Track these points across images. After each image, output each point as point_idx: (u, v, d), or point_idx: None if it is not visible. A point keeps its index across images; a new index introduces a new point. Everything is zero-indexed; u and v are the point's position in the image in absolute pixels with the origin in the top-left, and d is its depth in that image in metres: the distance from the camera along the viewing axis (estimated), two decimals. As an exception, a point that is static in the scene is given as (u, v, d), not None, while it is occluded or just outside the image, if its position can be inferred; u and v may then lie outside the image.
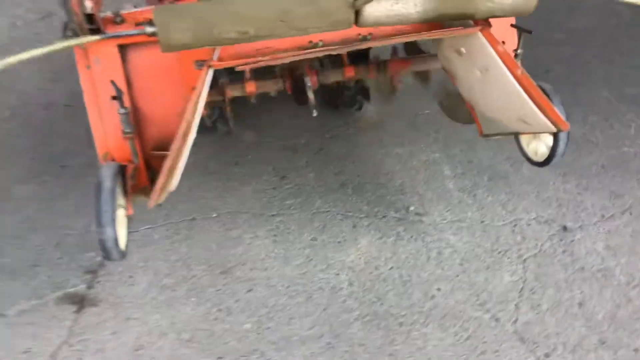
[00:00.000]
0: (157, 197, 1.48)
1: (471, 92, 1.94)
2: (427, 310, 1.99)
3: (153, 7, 1.59)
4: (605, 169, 2.54)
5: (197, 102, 1.41)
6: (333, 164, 2.66)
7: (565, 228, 2.28)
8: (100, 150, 1.73)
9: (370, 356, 1.85)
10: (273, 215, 2.38)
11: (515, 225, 2.30)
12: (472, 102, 2.01)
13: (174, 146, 1.45)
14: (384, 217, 2.35)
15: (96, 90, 1.69)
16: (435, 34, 1.60)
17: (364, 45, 1.55)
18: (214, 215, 2.37)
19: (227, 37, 1.34)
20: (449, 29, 1.56)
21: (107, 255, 1.57)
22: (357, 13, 1.39)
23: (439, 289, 2.06)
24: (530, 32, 1.72)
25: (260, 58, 1.45)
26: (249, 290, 2.08)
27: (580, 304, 2.00)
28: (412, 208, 2.39)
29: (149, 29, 1.33)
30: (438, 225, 2.31)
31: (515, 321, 1.94)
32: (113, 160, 1.71)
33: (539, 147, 1.96)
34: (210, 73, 1.44)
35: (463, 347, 1.86)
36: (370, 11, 1.39)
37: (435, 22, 1.50)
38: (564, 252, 2.19)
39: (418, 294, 2.04)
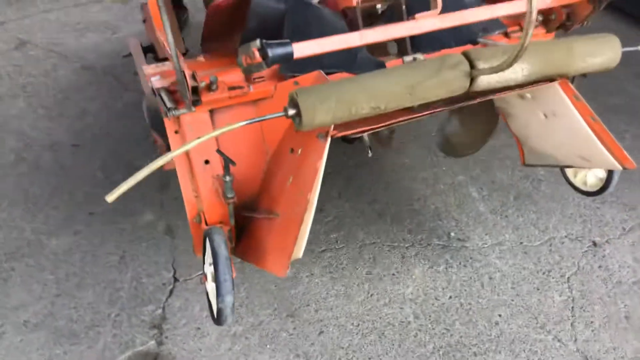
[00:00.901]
0: (286, 266, 1.50)
1: (526, 130, 2.06)
2: (495, 337, 2.10)
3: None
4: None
5: (321, 170, 1.43)
6: (365, 192, 2.72)
7: (595, 244, 2.46)
8: (190, 212, 1.72)
9: (455, 388, 1.94)
10: (323, 251, 2.42)
11: (550, 245, 2.46)
12: (523, 138, 2.13)
13: (298, 213, 1.46)
14: (429, 244, 2.45)
15: (188, 154, 1.67)
16: (525, 90, 1.70)
17: (467, 103, 1.61)
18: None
19: (361, 113, 1.37)
20: (535, 85, 1.66)
21: (221, 322, 1.57)
22: (472, 80, 1.46)
23: (500, 315, 2.18)
24: (585, 76, 1.84)
25: (374, 125, 1.49)
26: (321, 333, 2.11)
27: (627, 317, 2.18)
28: (452, 234, 2.50)
29: (291, 112, 1.34)
30: (481, 249, 2.43)
31: (576, 340, 2.10)
32: (206, 222, 1.70)
33: (588, 177, 2.11)
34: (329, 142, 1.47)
35: (536, 371, 2.00)
36: (484, 79, 1.47)
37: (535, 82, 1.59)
38: (599, 267, 2.37)
39: (482, 322, 2.15)
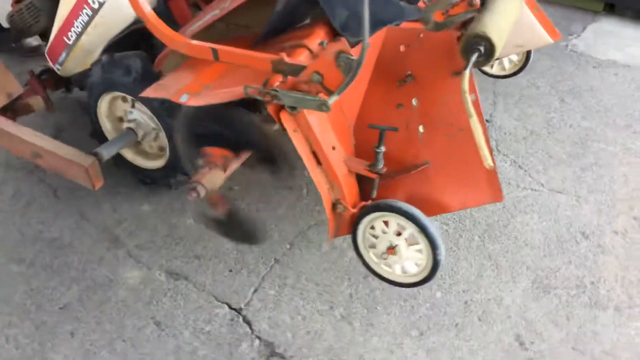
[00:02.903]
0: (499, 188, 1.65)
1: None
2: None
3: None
4: None
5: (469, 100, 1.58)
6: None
7: None
8: (328, 204, 1.70)
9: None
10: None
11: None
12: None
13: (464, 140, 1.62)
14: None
15: (315, 147, 1.63)
16: None
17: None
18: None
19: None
20: None
21: (434, 274, 1.66)
22: None
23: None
24: None
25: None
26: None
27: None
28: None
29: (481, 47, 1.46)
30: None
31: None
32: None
33: (505, 63, 2.63)
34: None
35: None
36: None
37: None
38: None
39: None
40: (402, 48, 1.73)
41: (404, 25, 1.77)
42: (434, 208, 1.72)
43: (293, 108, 1.57)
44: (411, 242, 1.66)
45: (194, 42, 1.68)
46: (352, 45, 1.56)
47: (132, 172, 2.60)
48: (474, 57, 1.45)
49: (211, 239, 2.40)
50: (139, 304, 2.15)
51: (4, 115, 2.47)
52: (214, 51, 1.65)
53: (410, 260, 1.70)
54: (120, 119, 2.54)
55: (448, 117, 1.66)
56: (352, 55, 1.42)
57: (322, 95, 1.51)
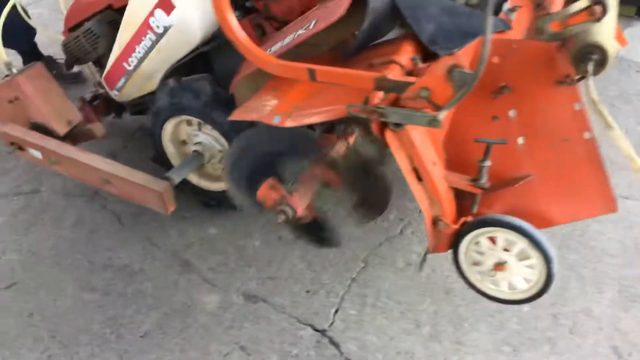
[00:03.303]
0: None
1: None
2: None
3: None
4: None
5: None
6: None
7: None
8: (429, 219, 1.66)
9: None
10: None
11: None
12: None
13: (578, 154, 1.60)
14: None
15: (416, 163, 1.60)
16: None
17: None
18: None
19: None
20: None
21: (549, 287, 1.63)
22: None
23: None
24: None
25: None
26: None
27: None
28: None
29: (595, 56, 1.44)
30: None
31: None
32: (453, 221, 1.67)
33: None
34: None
35: None
36: None
37: None
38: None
39: None
40: (495, 59, 1.70)
41: (495, 36, 1.75)
42: (539, 222, 1.68)
43: (397, 125, 1.54)
44: (522, 258, 1.62)
45: (289, 63, 1.66)
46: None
47: (196, 196, 2.58)
48: (591, 66, 1.42)
49: (283, 259, 2.36)
50: (221, 328, 2.11)
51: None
52: (311, 71, 1.62)
53: (520, 276, 1.66)
54: (184, 142, 2.52)
55: (551, 127, 1.63)
56: (467, 70, 1.40)
57: (427, 111, 1.48)
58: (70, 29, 2.66)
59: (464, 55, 1.68)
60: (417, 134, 1.58)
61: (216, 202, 2.56)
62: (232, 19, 1.67)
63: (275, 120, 1.70)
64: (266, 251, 2.41)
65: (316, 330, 2.10)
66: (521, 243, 1.60)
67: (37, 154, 2.39)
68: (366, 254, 2.37)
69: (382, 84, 1.54)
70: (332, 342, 2.05)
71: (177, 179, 2.28)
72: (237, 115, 1.81)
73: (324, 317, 2.14)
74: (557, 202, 1.68)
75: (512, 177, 1.71)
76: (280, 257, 2.38)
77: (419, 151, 1.59)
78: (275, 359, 2.01)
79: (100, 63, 2.72)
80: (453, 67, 1.42)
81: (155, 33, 2.29)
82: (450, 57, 1.42)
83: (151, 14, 2.26)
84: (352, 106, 1.54)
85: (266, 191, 1.77)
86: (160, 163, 2.58)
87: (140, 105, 2.72)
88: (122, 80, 2.53)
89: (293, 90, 1.81)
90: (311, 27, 1.79)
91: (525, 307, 2.14)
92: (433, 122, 1.45)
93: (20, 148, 2.41)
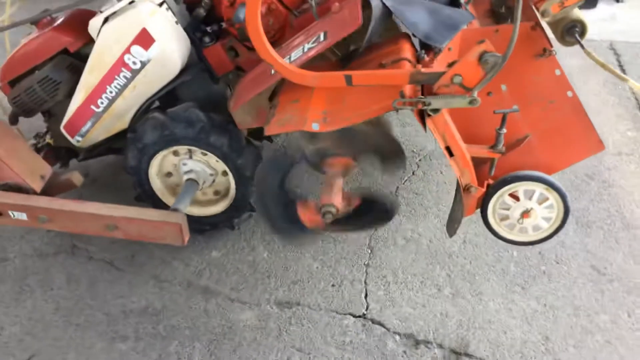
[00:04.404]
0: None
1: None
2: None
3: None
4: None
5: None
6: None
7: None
8: (462, 186, 1.95)
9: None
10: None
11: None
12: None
13: (566, 111, 1.97)
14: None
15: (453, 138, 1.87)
16: None
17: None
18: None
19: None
20: None
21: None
22: None
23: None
24: None
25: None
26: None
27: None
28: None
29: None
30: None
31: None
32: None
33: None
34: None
35: None
36: None
37: None
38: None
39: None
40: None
41: (469, 25, 2.07)
42: (544, 171, 2.02)
43: (435, 111, 1.78)
44: (541, 201, 1.95)
45: (326, 73, 1.82)
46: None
47: (189, 224, 2.58)
48: (577, 36, 1.79)
49: (297, 263, 2.49)
50: (270, 338, 2.19)
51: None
52: (347, 77, 1.80)
53: (543, 217, 1.99)
54: (168, 174, 2.52)
55: (538, 93, 1.98)
56: (497, 53, 1.68)
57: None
58: (11, 82, 2.51)
59: (453, 45, 1.98)
60: (448, 117, 1.84)
61: (210, 227, 2.59)
62: (269, 45, 1.78)
63: (315, 127, 1.86)
64: (277, 260, 2.51)
65: (357, 316, 2.27)
66: (539, 189, 1.93)
67: (22, 216, 2.24)
68: (367, 240, 2.59)
69: (417, 78, 1.77)
70: (376, 322, 2.24)
71: (183, 209, 2.30)
72: (273, 130, 1.93)
73: (358, 304, 2.31)
74: (555, 152, 2.04)
75: (515, 140, 2.04)
76: (293, 262, 2.50)
77: (452, 130, 1.85)
78: (333, 350, 2.14)
79: (50, 112, 2.61)
80: (484, 53, 1.69)
81: (130, 70, 2.29)
82: (480, 45, 1.69)
83: (127, 50, 2.25)
84: (397, 100, 1.76)
85: (306, 213, 1.97)
86: (145, 200, 2.54)
87: (97, 148, 2.65)
88: (88, 125, 2.46)
89: (313, 98, 1.96)
90: (322, 39, 1.97)
91: (515, 252, 2.51)
92: (473, 102, 1.72)
93: (-1, 214, 2.25)
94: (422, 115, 1.82)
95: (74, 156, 2.77)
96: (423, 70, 1.78)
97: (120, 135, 2.53)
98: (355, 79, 1.81)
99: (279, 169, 2.08)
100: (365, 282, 2.40)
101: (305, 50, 2.00)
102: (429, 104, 1.75)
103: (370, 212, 2.10)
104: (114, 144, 2.63)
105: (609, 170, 2.94)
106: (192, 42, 2.42)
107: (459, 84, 1.74)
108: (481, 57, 1.70)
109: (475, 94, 1.71)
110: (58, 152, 2.73)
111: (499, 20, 2.39)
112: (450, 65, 1.75)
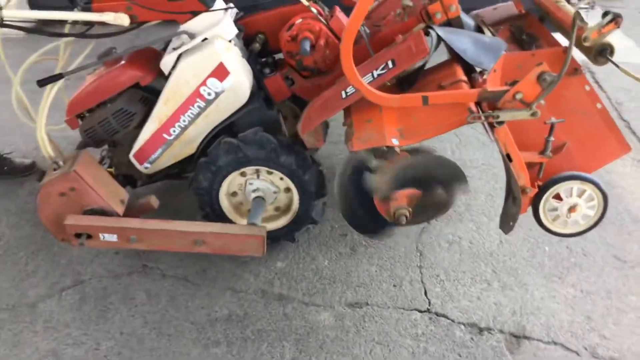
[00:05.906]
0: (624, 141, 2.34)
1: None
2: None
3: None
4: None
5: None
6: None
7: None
8: (522, 188, 2.26)
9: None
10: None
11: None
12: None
13: (597, 119, 2.32)
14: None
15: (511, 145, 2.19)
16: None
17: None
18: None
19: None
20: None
21: None
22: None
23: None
24: None
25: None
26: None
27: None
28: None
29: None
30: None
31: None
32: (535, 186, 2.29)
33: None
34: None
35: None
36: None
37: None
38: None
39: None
40: (520, 67, 2.37)
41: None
42: (581, 171, 2.39)
43: (500, 123, 2.11)
44: (587, 198, 2.30)
45: (406, 95, 2.13)
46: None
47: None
48: (608, 57, 2.17)
49: (357, 268, 2.75)
50: (350, 334, 2.43)
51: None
52: (424, 98, 2.11)
53: (586, 210, 2.33)
54: (234, 194, 2.75)
55: (572, 106, 2.33)
56: (552, 73, 2.02)
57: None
58: (80, 115, 2.69)
59: (497, 67, 2.32)
60: (508, 128, 2.17)
61: (272, 240, 2.82)
62: (357, 73, 2.07)
63: (395, 142, 2.15)
64: (338, 267, 2.76)
65: (422, 311, 2.54)
66: (581, 186, 2.27)
67: (112, 237, 2.42)
68: (415, 245, 2.87)
69: (484, 95, 2.10)
70: (440, 315, 2.52)
71: (259, 223, 2.53)
72: (357, 146, 2.20)
73: (420, 300, 2.59)
74: (588, 155, 2.39)
75: (555, 147, 2.38)
76: (352, 267, 2.75)
77: (512, 139, 2.17)
78: (409, 342, 2.40)
79: (115, 142, 2.79)
80: (542, 73, 2.03)
81: (205, 100, 2.52)
82: (539, 67, 2.03)
83: (203, 83, 2.49)
84: (471, 115, 2.07)
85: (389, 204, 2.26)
86: (212, 218, 2.75)
87: (157, 174, 2.85)
88: (159, 152, 2.67)
89: (384, 118, 2.26)
90: (390, 67, 2.27)
91: (546, 247, 2.85)
92: (534, 114, 2.05)
93: (89, 237, 2.41)
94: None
95: (130, 183, 2.96)
96: (489, 89, 2.10)
97: (182, 161, 2.76)
98: (431, 99, 2.12)
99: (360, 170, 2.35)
100: (422, 281, 2.68)
101: (375, 76, 2.30)
102: (498, 117, 2.08)
103: (428, 205, 2.38)
104: (172, 170, 2.85)
105: (609, 173, 3.34)
106: (253, 72, 2.68)
107: (519, 100, 2.07)
108: (539, 77, 2.04)
109: (534, 107, 2.05)
110: (116, 179, 2.91)
111: (522, 45, 2.76)
112: (512, 84, 2.09)
